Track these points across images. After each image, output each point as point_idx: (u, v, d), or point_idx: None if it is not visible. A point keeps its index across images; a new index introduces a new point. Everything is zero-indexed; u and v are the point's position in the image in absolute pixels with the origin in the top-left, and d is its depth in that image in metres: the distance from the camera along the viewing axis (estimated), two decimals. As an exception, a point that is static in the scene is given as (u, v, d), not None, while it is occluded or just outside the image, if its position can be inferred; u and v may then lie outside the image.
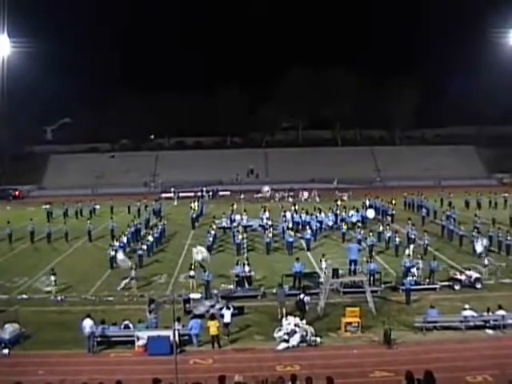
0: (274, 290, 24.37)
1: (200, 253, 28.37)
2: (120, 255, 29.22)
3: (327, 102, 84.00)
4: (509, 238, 32.12)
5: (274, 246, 35.10)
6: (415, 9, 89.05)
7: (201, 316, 21.81)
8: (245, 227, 38.18)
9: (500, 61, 63.73)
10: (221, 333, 20.08)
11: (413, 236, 33.91)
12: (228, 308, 21.15)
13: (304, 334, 19.82)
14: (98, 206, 51.89)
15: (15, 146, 78.91)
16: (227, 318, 20.80)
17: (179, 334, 18.89)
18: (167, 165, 78.70)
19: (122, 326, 20.66)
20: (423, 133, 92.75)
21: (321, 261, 27.75)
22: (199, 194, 61.81)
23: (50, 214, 47.71)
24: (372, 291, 23.80)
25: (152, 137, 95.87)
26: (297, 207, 42.50)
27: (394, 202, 45.79)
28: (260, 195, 61.35)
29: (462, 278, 26.20)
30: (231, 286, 26.29)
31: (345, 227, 36.84)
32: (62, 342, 20.20)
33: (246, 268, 26.56)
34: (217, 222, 39.08)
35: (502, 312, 20.99)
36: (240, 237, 34.26)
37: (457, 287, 25.81)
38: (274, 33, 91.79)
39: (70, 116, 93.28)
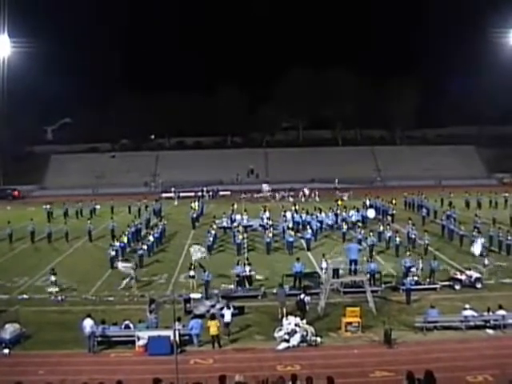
0: (275, 290, 24.38)
1: (197, 252, 28.42)
2: (120, 265, 28.54)
3: (327, 102, 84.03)
4: (509, 237, 32.13)
5: (275, 245, 35.10)
6: (415, 9, 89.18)
7: (201, 316, 21.80)
8: (245, 227, 38.16)
9: (500, 61, 63.68)
10: (221, 333, 20.08)
11: (413, 236, 33.95)
12: (228, 308, 21.17)
13: (304, 333, 19.82)
14: (98, 206, 51.92)
15: (16, 146, 78.89)
16: (227, 318, 20.81)
17: (180, 334, 18.87)
18: (167, 165, 78.70)
19: (123, 326, 20.66)
20: (424, 133, 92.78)
21: (325, 260, 27.53)
22: (199, 193, 61.82)
23: (50, 214, 47.73)
24: (372, 291, 23.80)
25: (152, 137, 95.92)
26: (297, 207, 42.53)
27: (394, 201, 45.77)
28: (260, 195, 61.38)
29: (463, 277, 26.20)
30: (232, 286, 26.30)
31: (345, 227, 36.85)
32: (62, 342, 20.21)
33: (247, 268, 26.58)
34: (217, 221, 39.08)
35: (502, 312, 20.99)
36: (240, 237, 34.26)
37: (457, 287, 25.82)
38: (274, 33, 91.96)
39: (70, 116, 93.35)
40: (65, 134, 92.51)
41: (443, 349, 19.16)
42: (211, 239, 34.14)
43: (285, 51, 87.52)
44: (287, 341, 19.71)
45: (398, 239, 32.62)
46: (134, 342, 19.73)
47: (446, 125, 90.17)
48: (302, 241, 35.62)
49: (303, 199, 56.51)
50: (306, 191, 58.48)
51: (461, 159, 77.87)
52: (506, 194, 51.30)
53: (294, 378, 12.96)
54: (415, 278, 25.63)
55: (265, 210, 41.01)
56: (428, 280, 26.29)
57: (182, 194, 61.59)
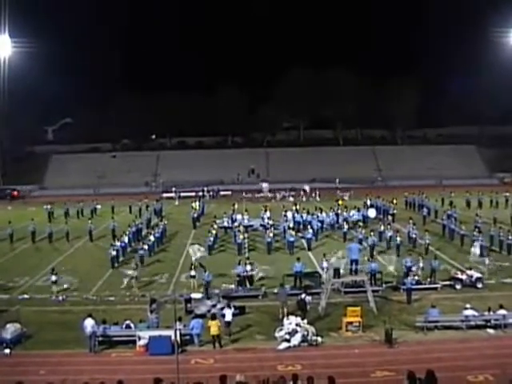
0: (276, 290, 24.39)
1: (196, 251, 28.42)
2: (124, 272, 28.13)
3: (328, 102, 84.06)
4: (510, 237, 32.10)
5: (275, 245, 35.09)
6: (415, 9, 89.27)
7: (202, 316, 21.80)
8: (246, 227, 38.12)
9: (500, 61, 63.78)
10: (222, 332, 20.08)
11: (414, 235, 33.94)
12: (229, 308, 21.17)
13: (305, 333, 19.81)
14: (99, 206, 51.92)
15: (16, 146, 79.00)
16: (228, 318, 20.81)
17: (180, 334, 18.85)
18: (168, 165, 78.70)
19: (124, 326, 20.67)
20: (425, 132, 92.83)
21: (326, 260, 27.51)
22: (200, 193, 61.83)
23: (51, 214, 47.75)
24: (373, 291, 23.80)
25: (153, 137, 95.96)
26: (298, 207, 42.53)
27: (395, 201, 45.73)
28: (261, 195, 61.39)
29: (463, 277, 26.18)
30: (232, 286, 26.31)
31: (346, 227, 36.85)
32: (63, 342, 20.22)
33: (248, 267, 26.59)
34: (218, 221, 39.09)
35: (503, 311, 20.98)
36: (241, 236, 34.24)
37: (458, 287, 25.80)
38: (274, 33, 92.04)
39: (70, 116, 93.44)
40: (65, 134, 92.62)
41: (444, 348, 19.16)
42: (212, 239, 34.14)
43: (285, 51, 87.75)
44: (288, 341, 19.71)
45: (398, 239, 32.59)
46: (134, 342, 19.74)
47: (447, 125, 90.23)
48: (303, 240, 35.63)
49: (304, 198, 56.52)
50: (307, 188, 58.47)
51: (461, 159, 77.85)
52: (507, 194, 51.25)
53: (294, 378, 12.96)
54: (416, 278, 25.63)
55: (265, 210, 41.03)
56: (429, 280, 26.27)
57: (182, 194, 61.61)
